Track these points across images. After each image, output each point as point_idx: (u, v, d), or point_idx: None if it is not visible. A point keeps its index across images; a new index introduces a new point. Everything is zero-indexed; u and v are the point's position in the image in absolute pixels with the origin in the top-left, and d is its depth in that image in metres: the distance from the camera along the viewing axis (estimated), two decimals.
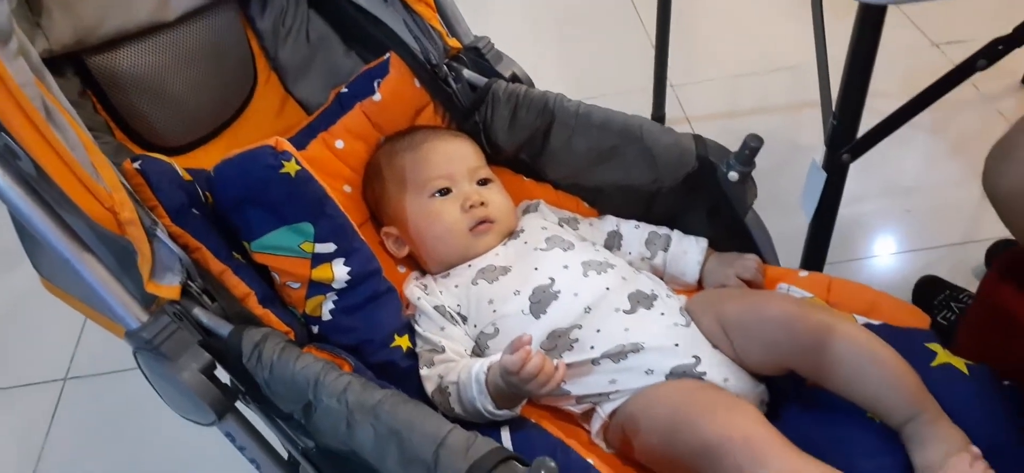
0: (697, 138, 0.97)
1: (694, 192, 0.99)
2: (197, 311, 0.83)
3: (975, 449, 0.72)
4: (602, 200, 1.10)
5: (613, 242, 1.05)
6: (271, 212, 0.89)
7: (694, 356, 0.87)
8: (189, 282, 0.83)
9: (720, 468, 0.74)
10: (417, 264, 1.08)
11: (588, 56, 2.27)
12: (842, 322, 0.81)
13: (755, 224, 0.98)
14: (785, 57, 2.07)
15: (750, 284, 0.96)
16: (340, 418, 0.79)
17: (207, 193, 0.92)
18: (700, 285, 1.02)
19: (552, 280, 0.94)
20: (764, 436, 0.74)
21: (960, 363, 0.81)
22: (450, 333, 0.95)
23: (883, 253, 1.65)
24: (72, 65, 0.99)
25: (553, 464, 0.65)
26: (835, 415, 0.81)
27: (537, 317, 0.91)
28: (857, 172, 1.60)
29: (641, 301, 0.92)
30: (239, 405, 0.87)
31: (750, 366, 0.87)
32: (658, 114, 1.92)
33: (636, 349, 0.87)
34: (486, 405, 0.84)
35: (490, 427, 0.85)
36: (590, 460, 0.84)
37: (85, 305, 0.91)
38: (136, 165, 0.85)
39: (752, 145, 0.91)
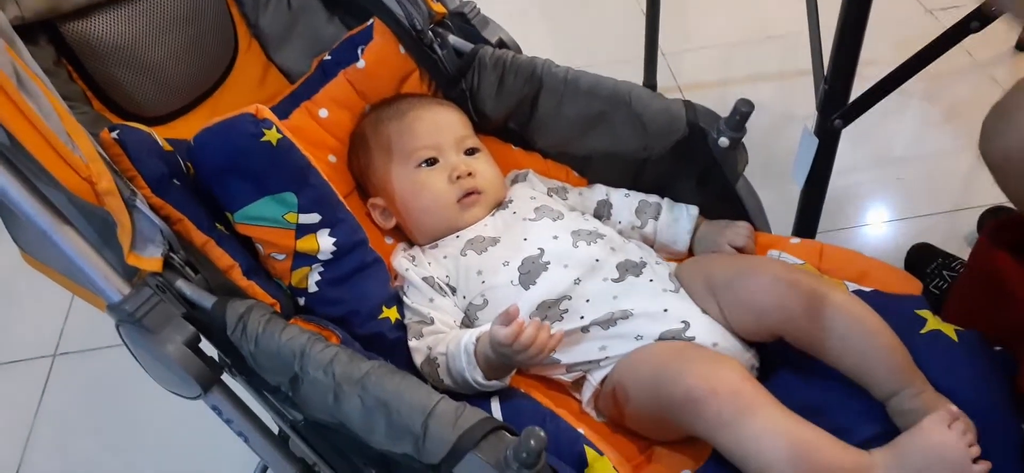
0: (687, 104, 0.96)
1: (684, 159, 0.98)
2: (180, 283, 0.82)
3: (954, 408, 0.72)
4: (591, 168, 1.09)
5: (603, 211, 1.04)
6: (253, 182, 0.87)
7: (683, 321, 0.86)
8: (171, 254, 0.81)
9: (702, 418, 0.74)
10: (404, 235, 1.06)
11: (578, 24, 2.25)
12: (833, 290, 0.81)
13: (746, 191, 0.97)
14: (777, 25, 2.06)
15: (741, 251, 0.95)
16: (327, 390, 0.78)
17: (188, 163, 0.90)
18: (691, 253, 1.01)
19: (541, 250, 0.93)
20: (750, 389, 0.75)
21: (949, 329, 0.81)
22: (439, 304, 0.94)
23: (875, 221, 1.64)
24: (46, 32, 0.96)
25: (542, 433, 0.64)
26: (824, 382, 0.81)
27: (527, 288, 0.90)
28: (849, 142, 1.60)
29: (630, 269, 0.91)
30: (226, 378, 0.86)
31: (739, 331, 0.87)
32: (650, 82, 1.90)
33: (625, 316, 0.87)
34: (475, 376, 0.83)
35: (479, 398, 0.85)
36: (580, 429, 0.83)
37: (66, 278, 0.89)
38: (114, 135, 0.83)
39: (743, 110, 0.89)
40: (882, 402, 0.77)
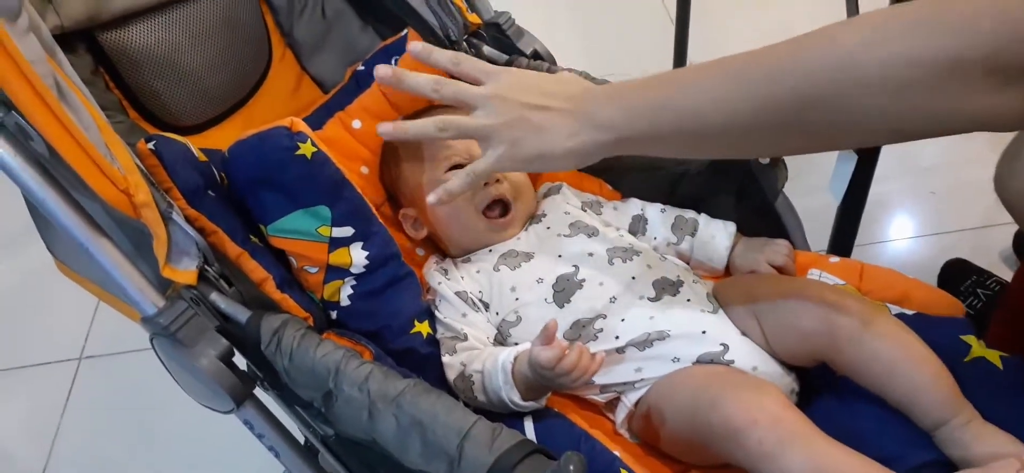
0: None
1: (721, 174, 0.97)
2: (214, 296, 0.81)
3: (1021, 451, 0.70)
4: (626, 182, 1.07)
5: (638, 227, 1.03)
6: (287, 195, 0.87)
7: (722, 344, 0.84)
8: (206, 266, 0.81)
9: (743, 448, 0.72)
10: (437, 247, 1.06)
11: (608, 34, 2.23)
12: (879, 316, 0.79)
13: (785, 208, 0.96)
14: (808, 29, 2.02)
15: (781, 271, 0.93)
16: (362, 408, 0.77)
17: (222, 174, 0.90)
18: (728, 271, 0.99)
19: (576, 268, 0.91)
20: (791, 418, 0.73)
21: (994, 356, 0.79)
22: (472, 320, 0.93)
23: (908, 236, 1.62)
24: (84, 42, 0.97)
25: (582, 458, 0.63)
26: (868, 408, 0.79)
27: (561, 306, 0.89)
28: (881, 153, 1.57)
29: (667, 288, 0.90)
30: (257, 391, 0.85)
31: (781, 355, 0.85)
32: None
33: (662, 337, 0.85)
34: (512, 396, 0.82)
35: (513, 417, 0.84)
36: (615, 452, 0.82)
37: (101, 289, 0.89)
38: (151, 146, 0.83)
39: None
40: (929, 432, 0.75)
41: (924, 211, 1.66)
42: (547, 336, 0.79)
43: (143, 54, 0.98)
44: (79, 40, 0.96)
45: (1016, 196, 0.83)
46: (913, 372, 0.75)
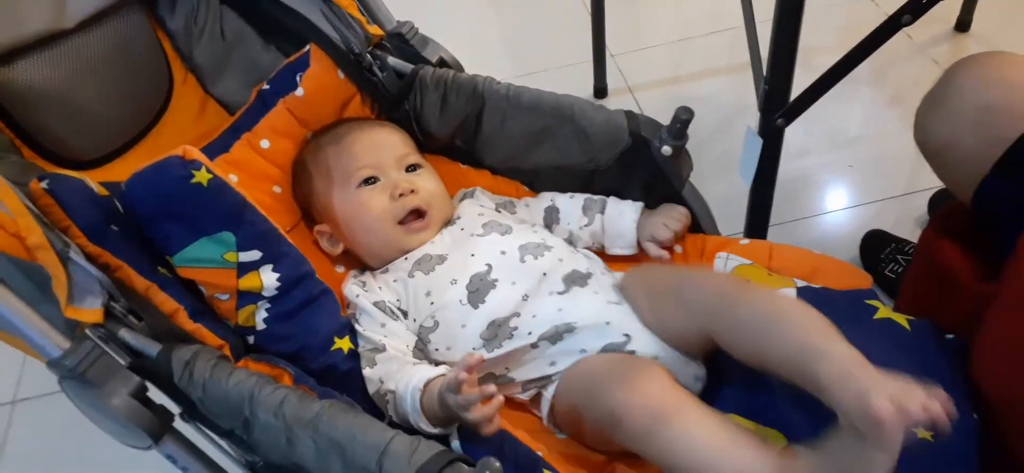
0: (629, 114, 0.96)
1: (630, 168, 0.98)
2: (123, 332, 0.80)
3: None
4: (540, 182, 1.08)
5: (551, 218, 1.04)
6: (188, 224, 0.85)
7: (625, 334, 0.86)
8: (112, 303, 0.79)
9: (625, 434, 0.74)
10: (354, 262, 1.05)
11: (526, 31, 2.24)
12: (751, 291, 0.81)
13: (692, 196, 0.98)
14: (726, 18, 2.06)
15: (676, 235, 0.97)
16: (279, 433, 0.76)
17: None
18: (641, 250, 1.01)
19: (489, 267, 0.92)
20: (666, 399, 0.74)
21: (901, 318, 0.82)
22: (391, 329, 0.92)
23: (829, 209, 1.66)
24: None
25: (497, 464, 0.64)
26: (771, 389, 0.80)
27: (475, 306, 0.90)
28: (799, 129, 1.60)
29: (576, 281, 0.91)
30: (180, 424, 0.84)
31: (676, 341, 0.85)
32: (600, 86, 1.90)
33: (570, 329, 0.87)
34: (419, 423, 0.82)
35: None
36: (539, 452, 0.83)
37: (5, 334, 0.87)
38: (44, 185, 0.81)
39: (683, 118, 0.89)
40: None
41: (845, 184, 1.70)
42: (466, 364, 0.76)
43: (31, 91, 0.95)
44: None
45: (936, 144, 0.85)
46: (780, 330, 0.73)
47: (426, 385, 0.82)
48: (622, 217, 1.01)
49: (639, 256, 1.01)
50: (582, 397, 0.81)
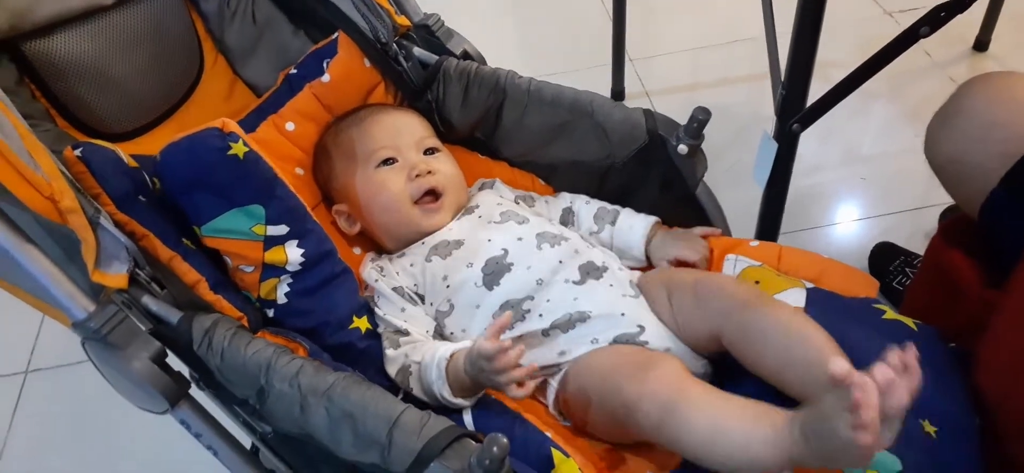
0: (647, 112, 0.98)
1: (646, 166, 1.00)
2: (146, 299, 0.82)
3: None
4: (557, 177, 1.10)
5: (568, 218, 1.06)
6: (220, 195, 0.87)
7: (639, 326, 0.87)
8: (137, 270, 0.82)
9: (639, 424, 0.75)
10: (371, 243, 1.07)
11: (546, 33, 2.26)
12: (765, 300, 0.81)
13: (706, 196, 0.99)
14: (745, 27, 2.07)
15: (694, 267, 0.96)
16: (293, 402, 0.79)
17: (154, 179, 0.91)
18: (649, 263, 1.02)
19: (505, 251, 0.94)
20: (681, 385, 0.74)
21: (909, 321, 0.83)
22: (411, 314, 0.94)
23: (839, 221, 1.67)
24: (7, 52, 0.96)
25: (504, 440, 0.65)
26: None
27: (490, 288, 0.92)
28: (814, 142, 1.61)
29: (591, 272, 0.93)
30: (195, 391, 0.86)
31: (690, 340, 0.87)
32: (617, 89, 1.92)
33: (583, 318, 0.88)
34: (443, 392, 0.84)
35: None
36: (548, 433, 0.84)
37: (33, 297, 0.89)
38: (77, 153, 0.83)
39: (700, 118, 0.91)
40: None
41: (857, 197, 1.71)
42: (496, 329, 0.79)
43: (69, 63, 0.98)
44: (2, 51, 0.96)
45: (945, 158, 0.87)
46: (788, 344, 0.75)
47: (452, 355, 0.84)
48: (631, 231, 1.01)
49: (649, 267, 1.02)
50: (595, 389, 0.82)
